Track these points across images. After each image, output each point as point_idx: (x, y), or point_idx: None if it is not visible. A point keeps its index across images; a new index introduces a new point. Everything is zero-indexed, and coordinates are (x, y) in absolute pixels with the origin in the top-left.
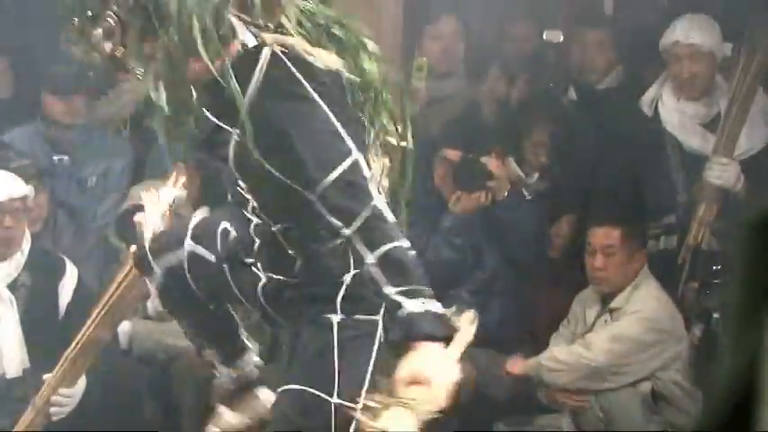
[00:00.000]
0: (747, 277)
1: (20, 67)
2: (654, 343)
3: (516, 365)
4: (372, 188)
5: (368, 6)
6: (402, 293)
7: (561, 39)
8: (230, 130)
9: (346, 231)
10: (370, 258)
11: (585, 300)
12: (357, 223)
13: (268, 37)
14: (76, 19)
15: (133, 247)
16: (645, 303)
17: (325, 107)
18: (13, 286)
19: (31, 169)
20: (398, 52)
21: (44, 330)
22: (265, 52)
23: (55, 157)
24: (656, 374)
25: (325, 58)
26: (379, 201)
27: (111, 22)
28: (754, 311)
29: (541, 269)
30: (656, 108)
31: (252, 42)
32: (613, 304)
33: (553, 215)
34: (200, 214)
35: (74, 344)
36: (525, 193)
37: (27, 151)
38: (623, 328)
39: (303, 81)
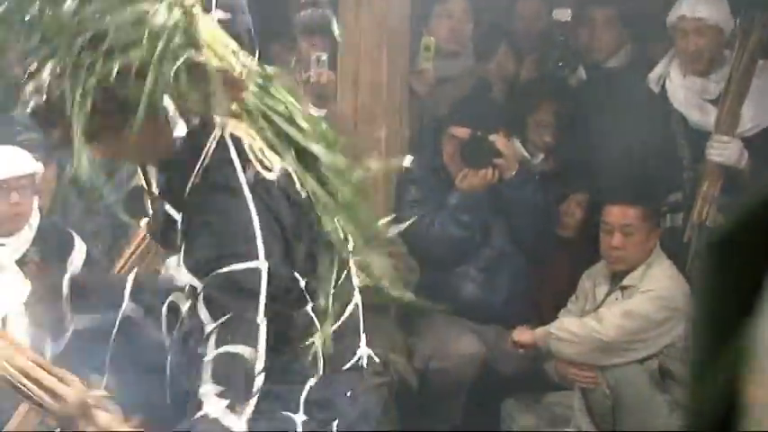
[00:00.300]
0: (714, 298)
1: None
2: (665, 321)
3: (524, 334)
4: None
5: None
6: (219, 396)
7: (569, 17)
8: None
9: (209, 326)
10: (208, 356)
11: (595, 276)
12: (222, 320)
13: (219, 121)
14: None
15: (144, 220)
16: (658, 282)
17: (252, 209)
18: (21, 261)
19: (39, 143)
20: (407, 33)
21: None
22: (214, 135)
23: None
24: (664, 351)
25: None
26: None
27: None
28: (721, 334)
29: (549, 247)
30: (664, 85)
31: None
32: (625, 282)
33: (561, 194)
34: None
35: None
36: (532, 172)
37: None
38: (636, 305)
39: (240, 175)
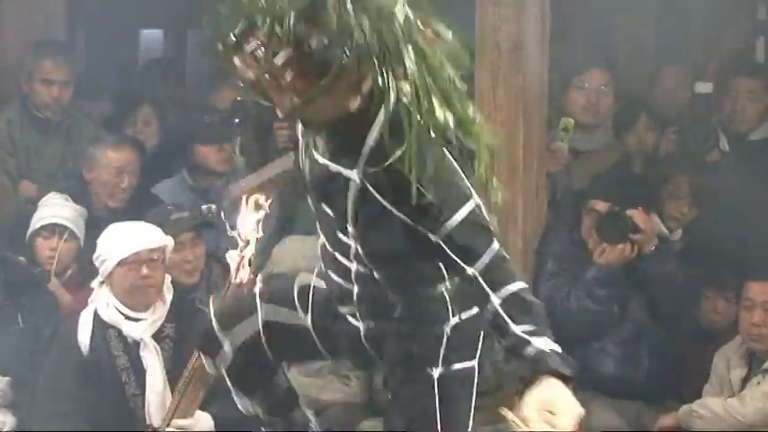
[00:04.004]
0: None
1: (166, 117)
2: None
3: (668, 419)
4: (492, 230)
5: (514, 61)
6: (529, 333)
7: (711, 89)
8: (351, 176)
9: (470, 271)
10: (496, 298)
11: (730, 356)
12: (481, 263)
13: (396, 84)
14: (221, 44)
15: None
16: None
17: (446, 151)
18: (157, 336)
19: (190, 221)
20: (544, 108)
21: None
22: (392, 99)
23: (203, 207)
24: None
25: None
26: (497, 243)
27: (256, 48)
28: None
29: (689, 324)
30: None
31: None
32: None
33: (702, 271)
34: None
35: (185, 372)
36: (672, 248)
37: (184, 203)
38: None
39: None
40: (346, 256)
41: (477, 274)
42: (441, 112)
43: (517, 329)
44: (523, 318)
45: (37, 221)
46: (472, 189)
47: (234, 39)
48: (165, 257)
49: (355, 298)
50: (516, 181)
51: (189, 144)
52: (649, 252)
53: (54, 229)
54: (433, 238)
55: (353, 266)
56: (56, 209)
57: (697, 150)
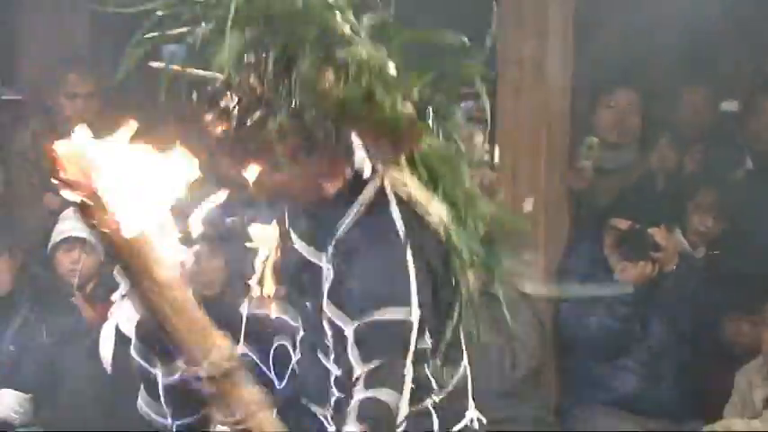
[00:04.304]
0: None
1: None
2: None
3: None
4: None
5: (536, 78)
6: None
7: (737, 108)
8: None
9: (358, 369)
10: (356, 397)
11: (751, 376)
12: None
13: (382, 173)
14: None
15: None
16: None
17: (411, 265)
18: None
19: (207, 233)
20: (567, 124)
21: None
22: (373, 186)
23: (228, 219)
24: None
25: (435, 208)
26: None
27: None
28: None
29: (711, 343)
30: None
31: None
32: None
33: (726, 290)
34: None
35: None
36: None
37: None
38: None
39: (401, 232)
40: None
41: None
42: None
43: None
44: (365, 422)
45: (57, 235)
46: (415, 302)
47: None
48: (185, 274)
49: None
50: (538, 198)
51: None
52: (671, 270)
53: (75, 243)
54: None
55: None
56: (76, 222)
57: (722, 169)
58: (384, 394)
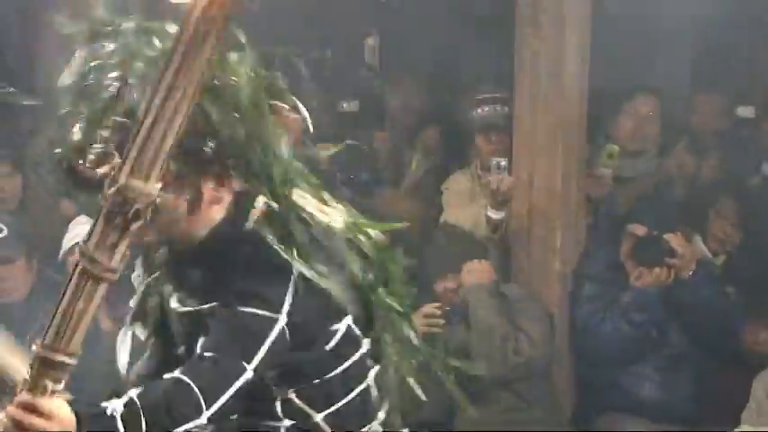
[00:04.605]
0: None
1: None
2: None
3: None
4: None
5: (553, 86)
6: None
7: (753, 114)
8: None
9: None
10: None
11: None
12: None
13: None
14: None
15: None
16: None
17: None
18: None
19: None
20: (583, 131)
21: None
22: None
23: None
24: None
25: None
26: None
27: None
28: None
29: (728, 349)
30: None
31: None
32: None
33: (744, 297)
34: None
35: None
36: (713, 273)
37: None
38: None
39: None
40: None
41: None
42: None
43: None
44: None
45: (69, 241)
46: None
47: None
48: None
49: None
50: (555, 205)
51: None
52: (687, 277)
53: None
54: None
55: None
56: (87, 227)
57: (739, 175)
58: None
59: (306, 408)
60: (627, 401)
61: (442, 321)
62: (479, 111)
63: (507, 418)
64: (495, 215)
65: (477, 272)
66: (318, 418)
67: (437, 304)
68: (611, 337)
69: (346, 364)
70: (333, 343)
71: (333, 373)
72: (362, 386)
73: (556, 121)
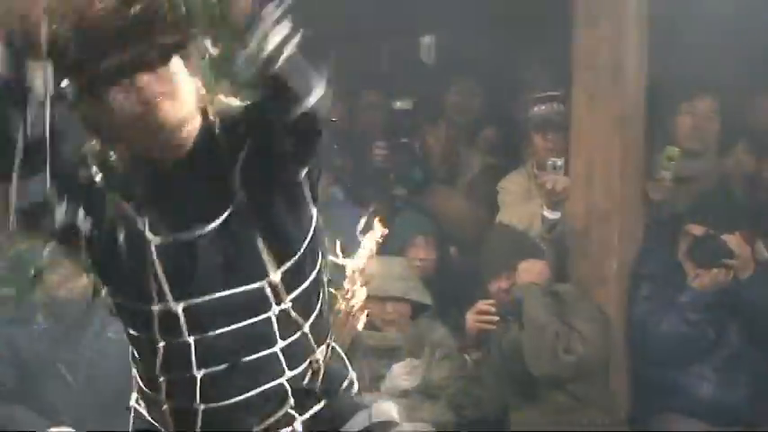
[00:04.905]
0: None
1: None
2: None
3: None
4: None
5: (611, 83)
6: None
7: None
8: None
9: None
10: None
11: None
12: None
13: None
14: None
15: None
16: None
17: None
18: None
19: None
20: (641, 130)
21: None
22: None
23: None
24: None
25: None
26: None
27: None
28: None
29: None
30: None
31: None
32: None
33: None
34: None
35: None
36: None
37: None
38: None
39: None
40: None
41: None
42: None
43: None
44: None
45: None
46: None
47: None
48: None
49: None
50: (613, 205)
51: None
52: (747, 277)
53: None
54: None
55: None
56: None
57: None
58: None
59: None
60: (684, 402)
61: (496, 318)
62: (536, 109)
63: (562, 419)
64: (550, 215)
65: (531, 271)
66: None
67: (491, 301)
68: (669, 337)
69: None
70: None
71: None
72: None
73: (613, 120)
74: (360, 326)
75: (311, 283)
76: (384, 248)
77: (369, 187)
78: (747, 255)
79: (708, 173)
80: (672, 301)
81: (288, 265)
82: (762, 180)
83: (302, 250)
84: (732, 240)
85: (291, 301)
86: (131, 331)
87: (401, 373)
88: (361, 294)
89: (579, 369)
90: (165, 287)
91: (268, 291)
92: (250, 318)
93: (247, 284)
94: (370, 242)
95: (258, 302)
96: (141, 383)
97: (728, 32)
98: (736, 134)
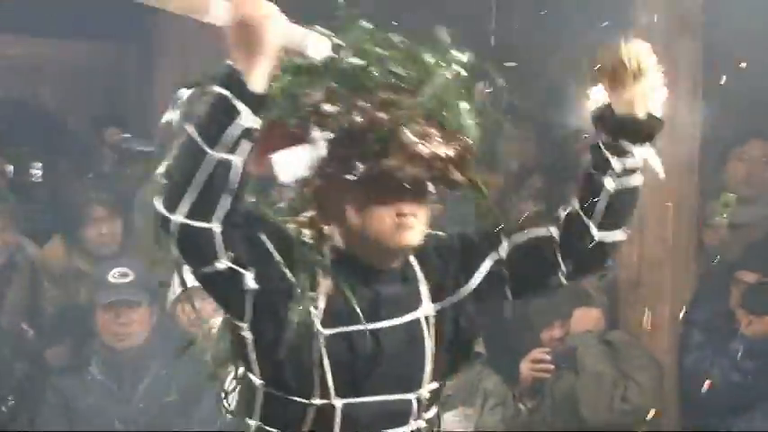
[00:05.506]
0: None
1: None
2: None
3: None
4: None
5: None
6: None
7: None
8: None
9: None
10: None
11: None
12: None
13: None
14: None
15: None
16: None
17: None
18: None
19: None
20: (695, 178)
21: None
22: None
23: None
24: None
25: None
26: None
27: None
28: None
29: None
30: None
31: None
32: None
33: None
34: None
35: None
36: None
37: None
38: None
39: None
40: None
41: None
42: None
43: None
44: None
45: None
46: None
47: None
48: None
49: None
50: (666, 252)
51: None
52: None
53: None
54: None
55: None
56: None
57: None
58: None
59: None
60: None
61: (551, 367)
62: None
63: None
64: None
65: (586, 319)
66: None
67: (546, 349)
68: (721, 385)
69: None
70: None
71: None
72: None
73: (667, 167)
74: None
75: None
76: None
77: None
78: None
79: (761, 219)
80: (723, 349)
81: (436, 384)
82: None
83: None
84: None
85: (427, 421)
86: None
87: (453, 422)
88: None
89: (635, 418)
90: (329, 380)
91: (414, 404)
92: (391, 427)
93: (403, 393)
94: None
95: (403, 413)
96: None
97: None
98: None
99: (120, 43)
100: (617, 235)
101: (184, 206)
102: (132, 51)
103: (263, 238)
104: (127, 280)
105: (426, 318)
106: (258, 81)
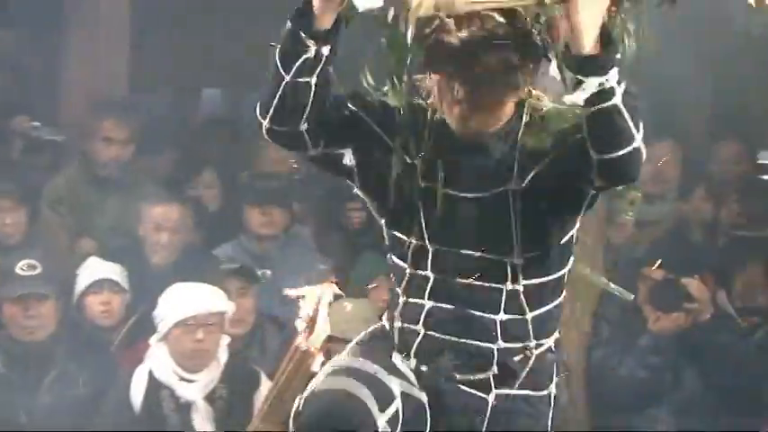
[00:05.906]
0: None
1: (226, 180)
2: None
3: None
4: None
5: None
6: None
7: None
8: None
9: None
10: None
11: None
12: None
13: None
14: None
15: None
16: None
17: None
18: (210, 397)
19: (241, 272)
20: None
21: None
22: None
23: (259, 272)
24: None
25: None
26: None
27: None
28: None
29: (744, 394)
30: None
31: None
32: None
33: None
34: None
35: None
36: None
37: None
38: None
39: None
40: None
41: None
42: None
43: None
44: None
45: (85, 279)
46: None
47: None
48: (223, 323)
49: None
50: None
51: (242, 206)
52: (705, 321)
53: (103, 285)
54: None
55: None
56: (102, 264)
57: (760, 222)
58: None
59: None
60: None
61: None
62: None
63: None
64: None
65: None
66: None
67: None
68: (627, 380)
69: None
70: None
71: None
72: None
73: None
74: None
75: (551, 280)
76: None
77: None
78: (706, 299)
79: (667, 217)
80: (631, 345)
81: (532, 254)
82: (720, 225)
83: (552, 248)
84: (691, 284)
85: (524, 286)
86: (394, 257)
87: None
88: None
89: None
90: (423, 225)
91: (508, 268)
92: (485, 281)
93: (492, 255)
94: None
95: (495, 273)
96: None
97: (687, 78)
98: (695, 180)
99: (27, 29)
100: (615, 153)
101: (269, 115)
102: (40, 37)
103: (360, 114)
104: (35, 272)
105: (513, 191)
106: (325, 18)
